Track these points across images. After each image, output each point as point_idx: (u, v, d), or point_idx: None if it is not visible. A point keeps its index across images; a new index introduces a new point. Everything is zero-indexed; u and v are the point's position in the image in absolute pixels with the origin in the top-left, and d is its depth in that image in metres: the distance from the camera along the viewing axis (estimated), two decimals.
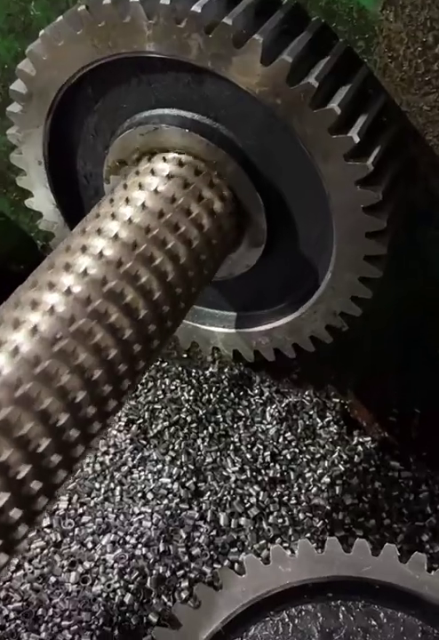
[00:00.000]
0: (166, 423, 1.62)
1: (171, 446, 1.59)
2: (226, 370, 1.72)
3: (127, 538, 1.45)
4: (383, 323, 1.45)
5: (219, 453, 1.58)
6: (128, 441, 1.59)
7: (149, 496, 1.51)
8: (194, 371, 1.72)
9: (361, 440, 1.62)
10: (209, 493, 1.52)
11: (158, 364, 1.72)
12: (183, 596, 1.38)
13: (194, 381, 1.70)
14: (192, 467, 1.55)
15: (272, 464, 1.57)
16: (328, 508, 1.51)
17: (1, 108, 1.34)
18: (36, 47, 1.18)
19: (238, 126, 1.17)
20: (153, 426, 1.62)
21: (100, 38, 1.12)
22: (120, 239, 1.06)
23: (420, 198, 1.22)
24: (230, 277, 1.35)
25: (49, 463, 0.90)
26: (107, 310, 0.99)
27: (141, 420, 1.63)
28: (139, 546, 1.44)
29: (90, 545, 1.45)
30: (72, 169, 1.36)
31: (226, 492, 1.52)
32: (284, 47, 1.05)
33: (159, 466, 1.56)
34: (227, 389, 1.69)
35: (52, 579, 1.40)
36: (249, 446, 1.59)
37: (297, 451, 1.60)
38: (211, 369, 1.72)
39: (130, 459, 1.57)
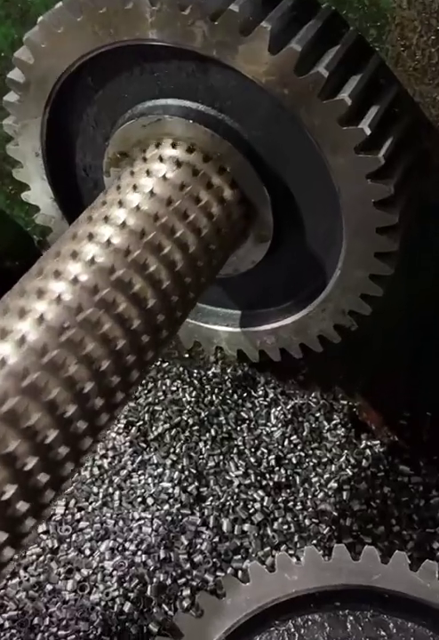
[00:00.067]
0: (167, 425, 1.63)
1: (172, 449, 1.59)
2: (229, 370, 1.72)
3: (126, 544, 1.46)
4: (394, 321, 1.46)
5: (221, 457, 1.59)
6: (127, 444, 1.60)
7: (149, 501, 1.52)
8: (196, 371, 1.72)
9: (369, 443, 1.62)
10: (211, 498, 1.52)
11: (159, 364, 1.73)
12: (185, 604, 1.39)
13: (196, 382, 1.70)
14: (194, 471, 1.56)
15: (277, 468, 1.57)
16: (335, 514, 1.52)
17: None
18: (35, 34, 1.18)
19: (244, 117, 1.17)
20: (153, 428, 1.62)
21: (101, 25, 1.12)
22: (128, 227, 1.07)
23: (433, 192, 1.22)
24: (235, 274, 1.35)
25: (56, 455, 0.91)
26: (115, 299, 1.00)
27: (141, 423, 1.63)
28: (139, 553, 1.45)
29: (88, 551, 1.45)
30: (71, 161, 1.36)
31: (229, 497, 1.52)
32: (293, 35, 1.05)
33: (160, 470, 1.56)
34: (230, 391, 1.69)
35: (49, 587, 1.40)
36: (253, 450, 1.60)
37: (303, 454, 1.60)
38: (213, 369, 1.72)
39: (129, 462, 1.57)
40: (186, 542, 1.46)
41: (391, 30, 1.09)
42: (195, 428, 1.63)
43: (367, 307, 1.27)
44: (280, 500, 1.53)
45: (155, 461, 1.57)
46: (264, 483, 1.55)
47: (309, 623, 1.16)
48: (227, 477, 1.55)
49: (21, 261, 1.74)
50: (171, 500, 1.51)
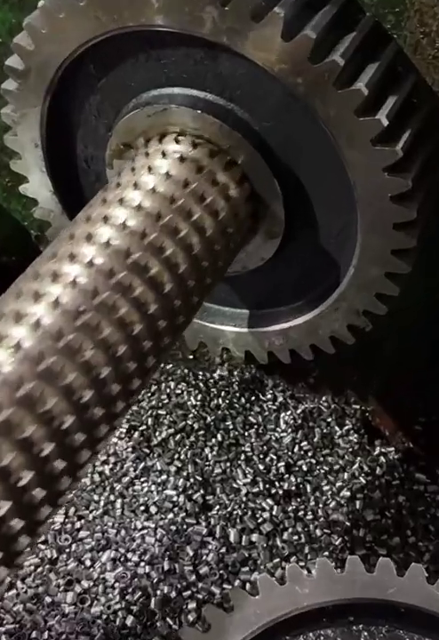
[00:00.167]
0: (171, 430, 1.63)
1: (176, 456, 1.60)
2: (236, 372, 1.73)
3: (129, 555, 1.47)
4: (410, 322, 1.46)
5: (228, 464, 1.59)
6: (130, 449, 1.60)
7: (153, 509, 1.52)
8: (201, 373, 1.73)
9: (383, 450, 1.63)
10: (218, 507, 1.53)
11: (162, 366, 1.73)
12: (190, 618, 1.39)
13: (201, 385, 1.71)
14: (199, 478, 1.56)
15: (286, 476, 1.58)
16: (348, 524, 1.52)
17: None
18: (35, 19, 1.18)
19: (255, 107, 1.17)
20: (157, 433, 1.63)
21: (105, 10, 1.12)
22: (143, 209, 1.08)
23: None
24: (243, 271, 1.35)
25: (73, 442, 0.92)
26: (132, 283, 1.02)
27: (144, 427, 1.64)
28: (142, 564, 1.45)
29: (88, 562, 1.46)
30: (71, 152, 1.37)
31: (236, 506, 1.53)
32: (307, 22, 1.05)
33: (163, 477, 1.57)
34: (237, 394, 1.70)
35: (48, 599, 1.41)
36: (261, 456, 1.60)
37: (313, 461, 1.61)
38: (219, 372, 1.73)
39: (131, 469, 1.58)
40: (191, 553, 1.47)
41: (410, 16, 1.09)
42: (201, 433, 1.63)
43: (382, 306, 1.27)
44: (290, 509, 1.53)
45: (159, 468, 1.58)
46: (273, 491, 1.55)
47: (321, 638, 1.16)
48: (235, 485, 1.56)
49: (18, 257, 1.74)
50: (176, 509, 1.52)
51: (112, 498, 1.54)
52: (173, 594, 1.42)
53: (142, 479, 1.56)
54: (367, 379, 1.65)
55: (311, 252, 1.30)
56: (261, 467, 1.58)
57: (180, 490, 1.54)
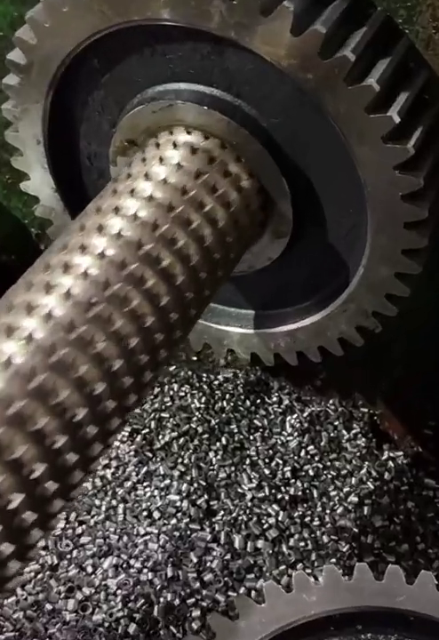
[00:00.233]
0: (174, 434, 1.64)
1: (179, 460, 1.60)
2: (241, 375, 1.73)
3: (131, 561, 1.47)
4: (420, 323, 1.46)
5: (233, 468, 1.59)
6: (132, 453, 1.60)
7: (156, 515, 1.53)
8: (205, 375, 1.73)
9: (392, 455, 1.63)
10: (222, 513, 1.53)
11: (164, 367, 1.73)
12: (194, 626, 1.39)
13: (205, 387, 1.71)
14: (203, 483, 1.56)
15: (293, 481, 1.58)
16: (355, 530, 1.52)
17: None
18: (38, 13, 1.18)
19: (263, 104, 1.17)
20: (160, 436, 1.63)
21: (110, 4, 1.12)
22: (155, 200, 1.10)
23: None
24: (250, 271, 1.35)
25: (85, 434, 0.93)
26: (144, 275, 1.03)
27: (147, 430, 1.64)
28: (145, 570, 1.46)
29: (90, 569, 1.46)
30: (74, 149, 1.37)
31: (241, 512, 1.53)
32: (317, 16, 1.05)
33: (167, 481, 1.57)
34: (242, 397, 1.70)
35: (48, 606, 1.41)
36: (267, 460, 1.60)
37: (320, 466, 1.61)
38: (224, 374, 1.73)
39: (134, 473, 1.58)
40: (195, 559, 1.47)
41: (422, 11, 1.09)
42: (205, 436, 1.63)
43: (392, 307, 1.27)
44: (296, 514, 1.54)
45: (162, 472, 1.58)
46: (279, 496, 1.55)
47: None
48: (240, 490, 1.56)
49: (18, 256, 1.74)
50: (179, 514, 1.52)
51: (114, 503, 1.54)
52: (177, 601, 1.42)
53: (145, 484, 1.57)
54: (375, 381, 1.65)
55: (319, 252, 1.30)
56: (267, 471, 1.59)
57: (184, 495, 1.55)
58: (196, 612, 1.41)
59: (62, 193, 1.42)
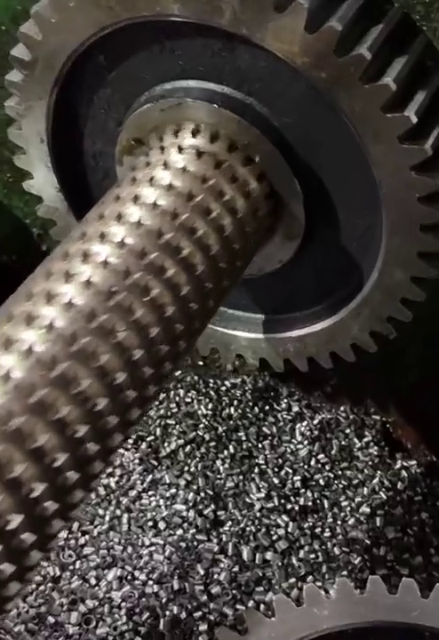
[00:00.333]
0: (181, 441, 1.64)
1: (186, 468, 1.60)
2: (249, 380, 1.73)
3: (136, 573, 1.47)
4: (436, 328, 1.46)
5: (241, 477, 1.59)
6: (137, 461, 1.61)
7: (161, 525, 1.53)
8: (212, 381, 1.73)
9: (405, 464, 1.63)
10: (230, 523, 1.53)
11: None
12: None
13: (212, 393, 1.71)
14: (210, 492, 1.57)
15: (303, 490, 1.58)
16: (367, 542, 1.52)
17: None
18: (43, 8, 1.18)
19: (275, 102, 1.17)
20: (165, 444, 1.63)
21: None
22: (174, 188, 1.12)
23: None
24: (260, 274, 1.35)
25: (106, 424, 0.95)
26: (164, 264, 1.05)
27: (152, 438, 1.64)
28: (150, 582, 1.46)
29: (93, 581, 1.46)
30: (79, 148, 1.37)
31: (250, 522, 1.53)
32: (332, 12, 1.05)
33: (172, 490, 1.57)
34: (250, 403, 1.70)
35: (51, 619, 1.41)
36: (276, 469, 1.61)
37: (331, 475, 1.61)
38: (231, 379, 1.73)
39: (139, 482, 1.58)
40: (202, 571, 1.47)
41: None
42: (212, 444, 1.63)
43: (407, 312, 1.28)
44: (306, 525, 1.54)
45: (168, 481, 1.58)
46: (288, 506, 1.56)
47: None
48: (248, 500, 1.56)
49: (19, 256, 1.75)
50: (186, 525, 1.52)
51: (118, 512, 1.54)
52: (183, 615, 1.42)
53: (150, 493, 1.57)
54: (388, 388, 1.65)
55: (332, 255, 1.31)
56: (276, 480, 1.59)
57: (190, 504, 1.55)
58: (204, 626, 1.41)
59: (66, 193, 1.42)
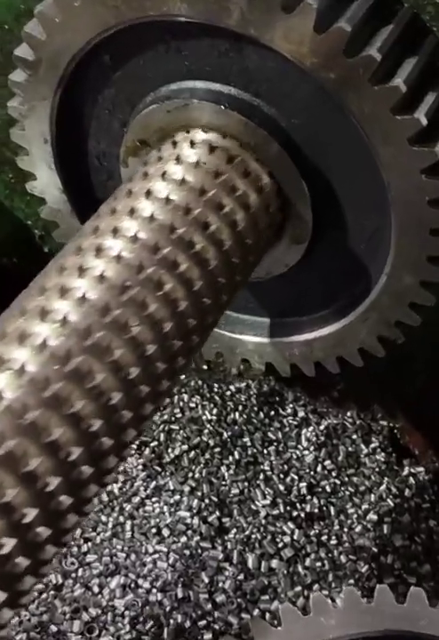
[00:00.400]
0: (185, 447, 1.64)
1: (190, 474, 1.60)
2: (254, 385, 1.73)
3: (139, 581, 1.47)
4: None
5: (246, 484, 1.60)
6: (140, 467, 1.61)
7: (165, 532, 1.53)
8: (216, 386, 1.73)
9: (413, 470, 1.63)
10: (235, 530, 1.53)
11: None
12: None
13: (217, 398, 1.71)
14: (215, 499, 1.57)
15: (309, 497, 1.59)
16: (374, 549, 1.53)
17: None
18: (47, 7, 1.19)
19: (282, 103, 1.18)
20: (169, 450, 1.63)
21: None
22: (187, 183, 1.14)
23: None
24: (266, 278, 1.36)
25: (120, 419, 0.97)
26: (177, 259, 1.07)
27: (156, 443, 1.64)
28: (154, 590, 1.46)
29: (96, 588, 1.46)
30: (82, 149, 1.38)
31: (255, 530, 1.53)
32: (341, 13, 1.05)
33: (176, 497, 1.57)
34: (255, 408, 1.70)
35: (53, 628, 1.41)
36: (281, 476, 1.61)
37: (337, 482, 1.61)
38: (236, 384, 1.74)
39: (142, 488, 1.59)
40: (206, 580, 1.47)
41: None
42: (217, 450, 1.64)
43: (416, 317, 1.28)
44: (312, 533, 1.54)
45: (172, 487, 1.58)
46: (294, 513, 1.56)
47: None
48: (253, 507, 1.56)
49: (20, 258, 1.75)
50: (190, 532, 1.53)
51: (121, 519, 1.55)
52: (188, 623, 1.42)
53: (154, 499, 1.57)
54: (396, 393, 1.65)
55: (340, 258, 1.31)
56: (282, 487, 1.59)
57: (195, 511, 1.55)
58: (208, 635, 1.41)
59: (69, 194, 1.43)
